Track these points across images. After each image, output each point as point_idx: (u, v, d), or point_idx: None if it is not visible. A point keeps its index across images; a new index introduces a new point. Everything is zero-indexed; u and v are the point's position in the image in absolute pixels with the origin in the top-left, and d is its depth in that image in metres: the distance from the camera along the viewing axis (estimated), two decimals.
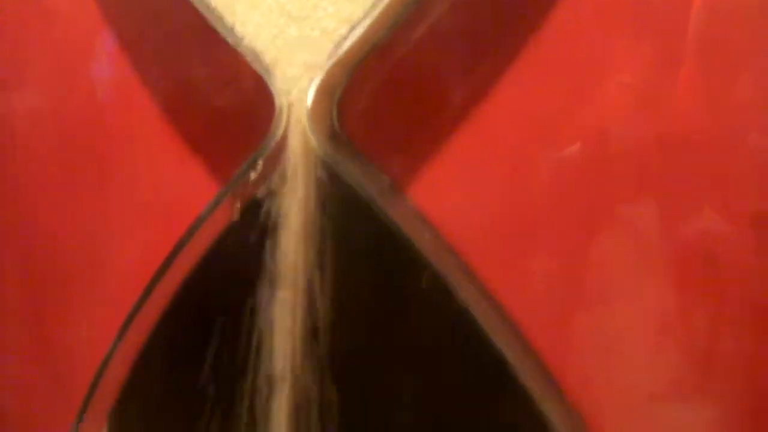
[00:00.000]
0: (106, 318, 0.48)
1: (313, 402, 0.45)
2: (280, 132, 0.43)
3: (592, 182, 0.43)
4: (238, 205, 0.44)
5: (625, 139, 0.42)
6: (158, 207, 0.47)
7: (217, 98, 0.45)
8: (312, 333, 0.44)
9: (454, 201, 0.44)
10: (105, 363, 0.48)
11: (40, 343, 0.51)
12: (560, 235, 0.43)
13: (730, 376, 0.44)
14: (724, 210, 0.43)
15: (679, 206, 0.43)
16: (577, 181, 0.43)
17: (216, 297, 0.46)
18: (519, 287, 0.44)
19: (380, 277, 0.44)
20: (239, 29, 0.43)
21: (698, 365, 0.44)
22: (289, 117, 0.43)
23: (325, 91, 0.42)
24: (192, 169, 0.45)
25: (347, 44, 0.42)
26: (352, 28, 0.42)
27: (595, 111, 0.43)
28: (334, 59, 0.42)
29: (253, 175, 0.42)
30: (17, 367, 0.52)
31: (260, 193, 0.44)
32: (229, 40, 0.43)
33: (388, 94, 0.43)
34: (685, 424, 0.45)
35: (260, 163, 0.43)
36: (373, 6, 0.41)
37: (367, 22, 0.41)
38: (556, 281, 0.44)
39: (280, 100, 0.43)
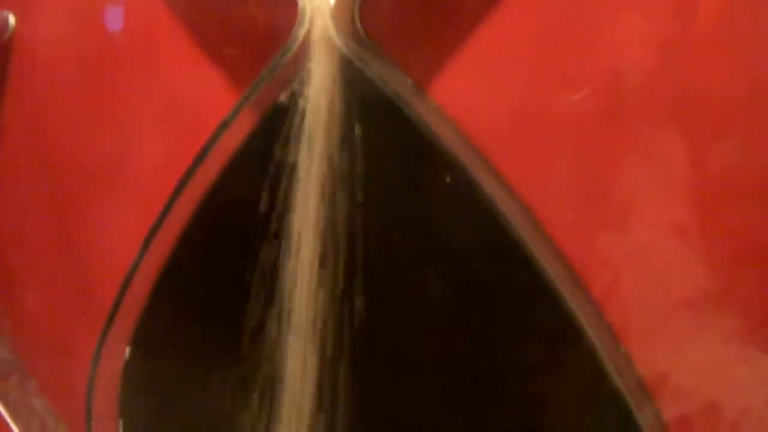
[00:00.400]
0: (131, 227, 0.48)
1: (339, 299, 0.45)
2: (302, 33, 0.43)
3: (609, 103, 0.43)
4: None
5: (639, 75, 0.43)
6: (182, 114, 0.47)
7: (240, 2, 0.45)
8: (339, 231, 0.44)
9: (476, 100, 0.44)
10: (129, 276, 0.48)
11: (66, 255, 0.51)
12: (581, 133, 0.44)
13: (752, 288, 0.45)
14: (743, 140, 0.43)
15: (696, 137, 0.43)
16: (595, 92, 0.43)
17: (242, 202, 0.46)
18: (540, 184, 0.44)
19: (405, 174, 0.44)
20: None
21: (722, 275, 0.44)
22: (312, 18, 0.43)
23: None
24: (215, 74, 0.45)
25: None
26: None
27: (611, 47, 0.43)
28: None
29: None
30: (45, 278, 0.52)
31: (283, 96, 0.44)
32: None
33: None
34: (709, 332, 0.45)
35: (282, 62, 0.43)
36: None
37: None
38: (577, 178, 0.44)
39: (303, 1, 0.43)
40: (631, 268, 0.44)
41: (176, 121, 0.47)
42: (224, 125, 0.45)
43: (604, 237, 0.44)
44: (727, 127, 0.43)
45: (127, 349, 0.50)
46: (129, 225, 0.49)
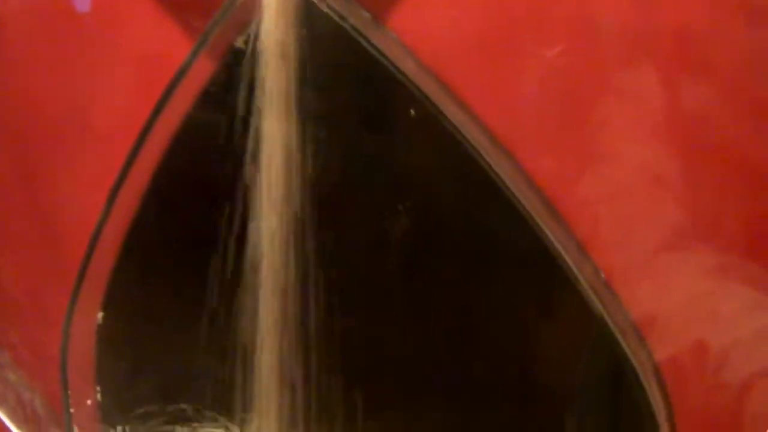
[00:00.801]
0: (100, 184, 0.47)
1: (301, 238, 0.45)
2: None
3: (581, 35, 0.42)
4: None
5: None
6: (140, 65, 0.46)
7: None
8: (304, 171, 0.44)
9: (438, 32, 0.43)
10: (96, 235, 0.47)
11: (33, 214, 0.51)
12: (549, 64, 0.42)
13: (734, 222, 0.44)
14: (720, 77, 0.42)
15: (671, 74, 0.42)
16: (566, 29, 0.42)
17: (205, 151, 0.45)
18: (508, 117, 0.43)
19: (368, 109, 0.44)
20: None
21: (704, 211, 0.44)
22: None
23: None
24: (170, 24, 0.45)
25: None
26: None
27: None
28: None
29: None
30: (13, 243, 0.52)
31: (240, 41, 0.44)
32: None
33: None
34: (694, 268, 0.45)
35: (235, 3, 0.42)
36: None
37: None
38: (543, 104, 0.43)
39: None
40: (610, 207, 0.44)
41: (137, 70, 0.46)
42: (181, 72, 0.44)
43: (578, 171, 0.44)
44: (703, 63, 0.42)
45: (100, 314, 0.50)
46: (98, 183, 0.48)
